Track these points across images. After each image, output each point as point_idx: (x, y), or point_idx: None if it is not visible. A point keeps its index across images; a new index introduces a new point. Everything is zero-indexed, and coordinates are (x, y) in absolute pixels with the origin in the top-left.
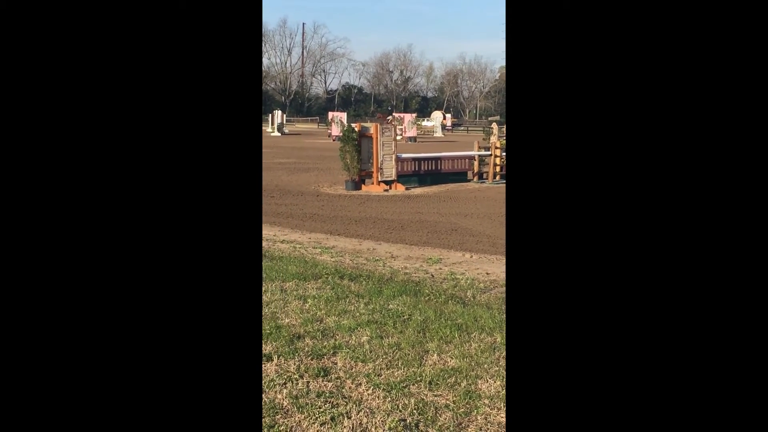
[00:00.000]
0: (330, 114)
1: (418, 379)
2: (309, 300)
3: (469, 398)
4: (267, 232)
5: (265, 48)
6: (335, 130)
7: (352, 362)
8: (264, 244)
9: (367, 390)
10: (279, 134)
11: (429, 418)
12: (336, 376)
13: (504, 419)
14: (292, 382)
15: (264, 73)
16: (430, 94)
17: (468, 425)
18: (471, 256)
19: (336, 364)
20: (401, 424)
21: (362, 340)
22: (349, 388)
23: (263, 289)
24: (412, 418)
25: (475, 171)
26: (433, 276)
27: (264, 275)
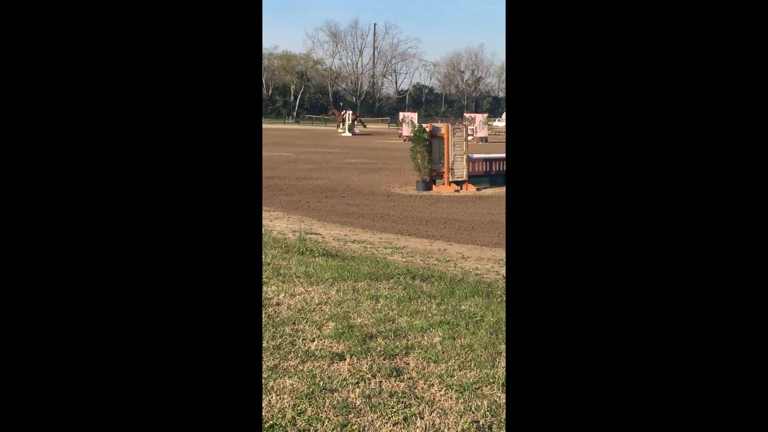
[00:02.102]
0: (401, 114)
1: (492, 380)
2: (381, 300)
3: None
4: (338, 231)
5: (337, 48)
6: (406, 131)
7: (425, 363)
8: (335, 243)
9: (439, 391)
10: (350, 134)
11: (502, 420)
12: (408, 376)
13: None
14: (365, 381)
15: (335, 74)
16: (501, 95)
17: None
18: None
19: (408, 364)
20: (474, 426)
21: (434, 341)
22: (422, 388)
23: (335, 288)
24: (485, 420)
25: None
26: (505, 277)
27: (336, 275)
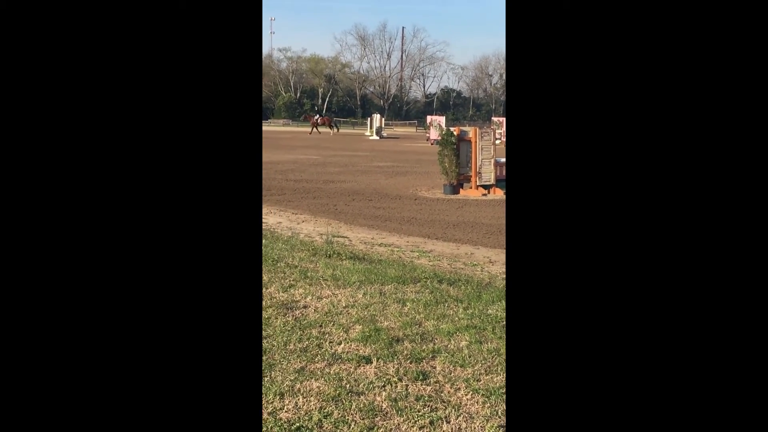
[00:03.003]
0: (428, 118)
1: None
2: (408, 303)
3: None
4: (365, 235)
5: (365, 52)
6: (433, 134)
7: (451, 367)
8: (362, 247)
9: (466, 395)
10: (377, 138)
11: None
12: (435, 380)
13: None
14: (391, 384)
15: (363, 77)
16: None
17: None
18: None
19: (435, 368)
20: (500, 430)
21: (461, 345)
22: (448, 392)
23: (362, 291)
24: None
25: None
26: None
27: (363, 278)
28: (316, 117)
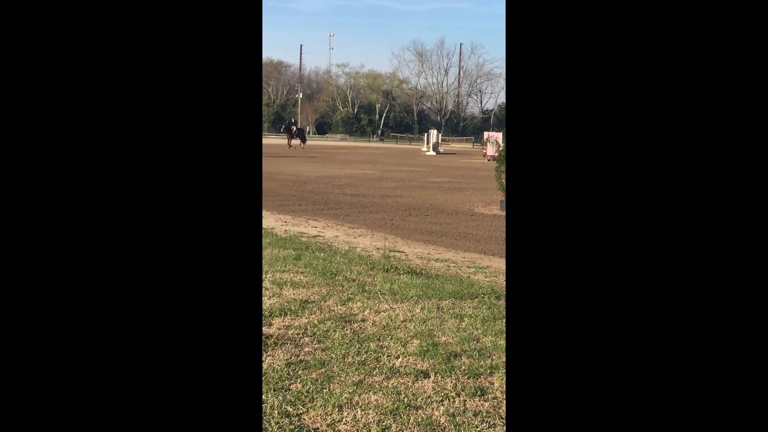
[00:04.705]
0: (485, 134)
1: None
2: (465, 319)
3: None
4: (421, 250)
5: (423, 68)
6: (490, 150)
7: None
8: (418, 261)
9: None
10: (434, 153)
11: None
12: (493, 395)
13: None
14: (449, 399)
15: (420, 93)
16: None
17: None
18: None
19: (493, 383)
20: None
21: None
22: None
23: (420, 306)
24: None
25: None
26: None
27: (420, 292)
28: (293, 129)
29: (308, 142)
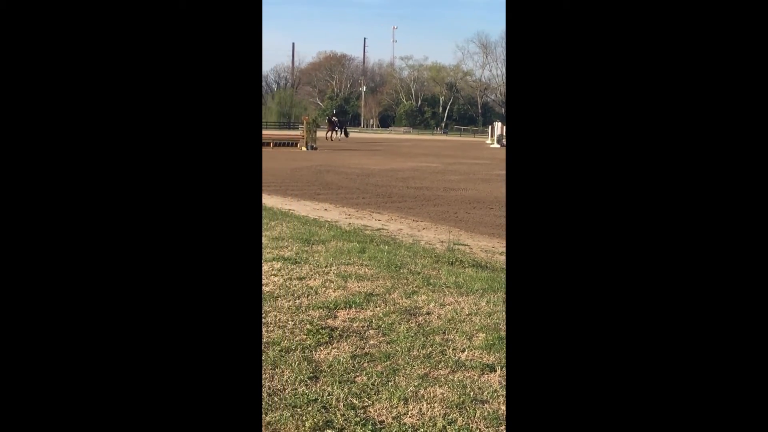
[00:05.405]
0: None
1: None
2: None
3: None
4: (485, 243)
5: (487, 60)
6: None
7: None
8: (483, 255)
9: None
10: (498, 146)
11: None
12: None
13: None
14: None
15: (485, 85)
16: None
17: None
18: None
19: None
20: None
21: None
22: None
23: (485, 299)
24: None
25: None
26: None
27: (486, 286)
28: (335, 122)
29: (373, 135)
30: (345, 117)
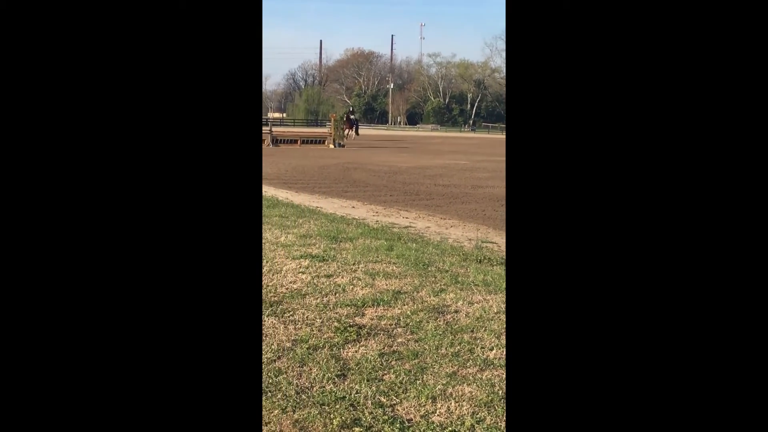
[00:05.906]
0: None
1: None
2: None
3: None
4: None
5: None
6: None
7: None
8: None
9: None
10: None
11: None
12: None
13: None
14: None
15: None
16: None
17: None
18: None
19: None
20: None
21: None
22: None
23: None
24: None
25: None
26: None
27: None
28: (352, 119)
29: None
30: (359, 115)
